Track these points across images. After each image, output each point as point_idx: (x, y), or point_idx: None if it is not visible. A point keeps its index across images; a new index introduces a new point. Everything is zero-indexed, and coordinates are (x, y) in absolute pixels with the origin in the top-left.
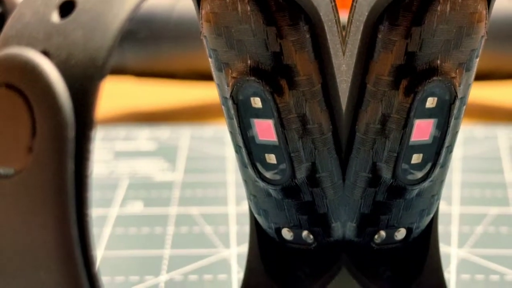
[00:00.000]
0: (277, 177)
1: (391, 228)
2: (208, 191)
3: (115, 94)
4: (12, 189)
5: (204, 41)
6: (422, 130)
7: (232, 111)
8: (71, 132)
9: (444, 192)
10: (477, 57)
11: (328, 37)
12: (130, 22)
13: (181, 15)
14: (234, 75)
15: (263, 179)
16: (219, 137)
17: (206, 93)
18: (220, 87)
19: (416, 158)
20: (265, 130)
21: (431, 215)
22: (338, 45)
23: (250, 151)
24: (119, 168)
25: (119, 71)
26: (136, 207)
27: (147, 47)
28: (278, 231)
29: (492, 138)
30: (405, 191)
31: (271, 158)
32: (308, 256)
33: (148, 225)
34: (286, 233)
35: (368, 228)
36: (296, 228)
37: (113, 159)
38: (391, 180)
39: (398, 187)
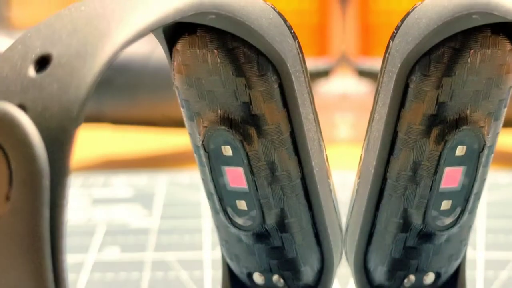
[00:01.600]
0: (248, 222)
1: (421, 273)
2: (183, 237)
3: (93, 141)
4: None
5: (176, 91)
6: (452, 177)
7: (204, 159)
8: (46, 181)
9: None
10: (505, 106)
11: (295, 87)
12: (107, 71)
13: (157, 64)
14: (205, 124)
15: (234, 224)
16: (195, 183)
17: (183, 140)
18: (192, 136)
19: (445, 205)
20: (235, 177)
21: (459, 260)
22: (305, 94)
23: (221, 198)
24: (97, 215)
25: (97, 118)
26: (113, 253)
27: (124, 95)
28: (250, 275)
29: None
30: (434, 236)
31: (242, 205)
32: None
33: (125, 270)
34: (258, 278)
35: (398, 272)
36: (266, 272)
37: (91, 205)
38: (421, 226)
39: (428, 232)
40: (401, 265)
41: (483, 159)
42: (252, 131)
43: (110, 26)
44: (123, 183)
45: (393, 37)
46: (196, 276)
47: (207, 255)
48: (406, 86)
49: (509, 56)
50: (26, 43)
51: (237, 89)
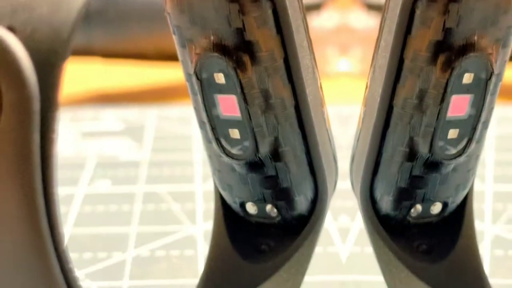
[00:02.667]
0: (241, 152)
1: (427, 202)
2: (175, 169)
3: (83, 75)
4: None
5: (168, 17)
6: (459, 105)
7: (196, 87)
8: (36, 105)
9: (478, 170)
10: None
11: (289, 12)
12: (97, 2)
13: None
14: (197, 51)
15: (227, 154)
16: (185, 117)
17: (173, 73)
18: (184, 63)
19: (452, 134)
20: (228, 105)
21: (467, 190)
22: (299, 20)
23: (214, 127)
24: (87, 148)
25: (86, 52)
26: (104, 186)
27: (114, 27)
28: (243, 205)
29: None
30: (441, 165)
31: (235, 133)
32: (273, 229)
33: (116, 203)
34: (251, 207)
35: (405, 202)
36: (260, 202)
37: (81, 139)
38: (428, 155)
39: (434, 161)
40: (407, 194)
41: (491, 87)
42: (246, 58)
43: None
44: (113, 117)
45: None
46: (188, 208)
47: (199, 187)
48: (412, 12)
49: None
50: None
51: (230, 15)
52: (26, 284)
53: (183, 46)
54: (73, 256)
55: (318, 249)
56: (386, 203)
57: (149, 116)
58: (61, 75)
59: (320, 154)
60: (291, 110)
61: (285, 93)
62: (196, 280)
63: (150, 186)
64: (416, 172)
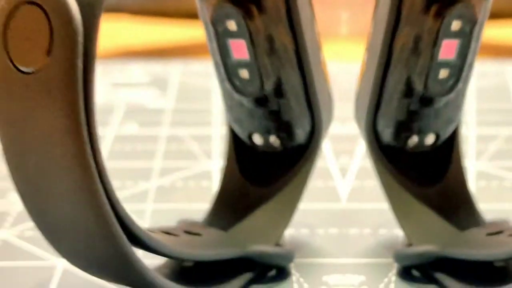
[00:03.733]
0: (249, 89)
1: (422, 134)
2: (195, 116)
3: (112, 31)
4: (33, 84)
5: None
6: (449, 49)
7: (212, 34)
8: (80, 38)
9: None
10: None
11: None
12: None
13: None
14: (212, 2)
15: (238, 90)
16: (206, 71)
17: (195, 31)
18: (201, 13)
19: (443, 73)
20: (239, 49)
21: (456, 123)
22: None
23: (226, 68)
24: (116, 97)
25: (116, 10)
26: (132, 128)
27: None
28: (250, 136)
29: (501, 73)
30: (434, 101)
31: (244, 73)
32: (276, 157)
33: (142, 142)
34: (257, 138)
35: (403, 134)
36: (265, 133)
37: (111, 89)
38: (423, 92)
39: (428, 98)
40: (405, 127)
41: (475, 34)
42: (253, 8)
43: None
44: (140, 70)
45: None
46: (205, 147)
47: (216, 130)
48: None
49: None
50: None
51: None
52: (70, 193)
53: None
54: None
55: (319, 184)
56: (387, 135)
57: (173, 70)
58: (100, 13)
59: (316, 91)
60: (292, 54)
61: (287, 39)
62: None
63: (173, 129)
64: (413, 107)
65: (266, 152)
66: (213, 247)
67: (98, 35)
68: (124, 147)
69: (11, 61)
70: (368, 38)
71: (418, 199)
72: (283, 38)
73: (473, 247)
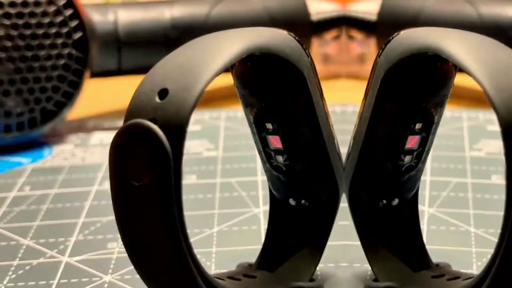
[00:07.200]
0: (283, 169)
1: (389, 198)
2: (242, 165)
3: None
4: (140, 193)
5: (236, 89)
6: (413, 141)
7: (254, 130)
8: (171, 162)
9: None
10: (447, 98)
11: (309, 86)
12: (175, 32)
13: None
14: (255, 110)
15: (275, 170)
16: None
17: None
18: (246, 116)
19: (408, 158)
20: (275, 141)
21: (415, 190)
22: (317, 91)
23: (266, 154)
24: None
25: None
26: (191, 179)
27: None
28: (286, 200)
29: (457, 119)
30: (400, 177)
31: (279, 159)
32: (306, 212)
33: (201, 192)
34: (291, 201)
35: (375, 198)
36: (296, 198)
37: None
38: (391, 170)
39: (395, 174)
40: (377, 193)
41: (432, 130)
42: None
43: (200, 70)
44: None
45: (379, 55)
46: (252, 194)
47: (260, 178)
48: (386, 90)
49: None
50: (151, 80)
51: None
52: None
53: (246, 107)
54: None
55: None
56: (363, 198)
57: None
58: (183, 144)
59: (334, 168)
60: (314, 144)
61: (308, 133)
62: (259, 246)
63: (225, 179)
64: (383, 180)
65: (298, 208)
66: (265, 286)
67: (181, 157)
68: (187, 197)
69: (126, 177)
70: (354, 129)
71: (384, 244)
72: (305, 133)
73: (422, 287)
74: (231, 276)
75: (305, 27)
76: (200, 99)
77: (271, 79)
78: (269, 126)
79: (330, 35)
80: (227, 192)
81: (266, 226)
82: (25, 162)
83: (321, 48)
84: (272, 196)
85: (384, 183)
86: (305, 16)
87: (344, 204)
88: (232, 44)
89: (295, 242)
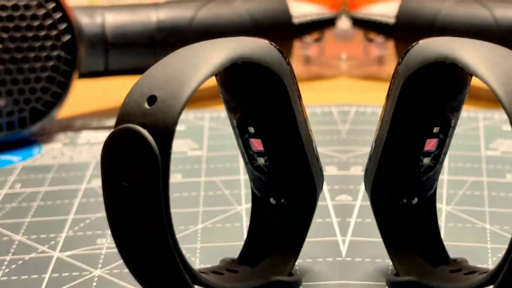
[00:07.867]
0: (265, 170)
1: (409, 197)
2: (225, 164)
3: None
4: (131, 194)
5: (220, 94)
6: (431, 144)
7: (237, 133)
8: (159, 165)
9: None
10: (463, 102)
11: (289, 93)
12: (161, 34)
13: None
14: (237, 115)
15: (256, 171)
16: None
17: None
18: (230, 119)
19: (426, 160)
20: (257, 144)
21: (433, 190)
22: (296, 97)
23: (248, 156)
24: None
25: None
26: (176, 178)
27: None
28: (267, 198)
29: (474, 119)
30: (420, 177)
31: (261, 160)
32: (285, 210)
33: (186, 190)
34: (272, 200)
35: (396, 197)
36: (277, 197)
37: None
38: (411, 172)
39: (414, 175)
40: (398, 193)
41: (449, 133)
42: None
43: (186, 79)
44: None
45: (399, 63)
46: (235, 193)
47: (242, 177)
48: (406, 95)
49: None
50: (141, 88)
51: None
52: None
53: (229, 111)
54: None
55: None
56: (385, 197)
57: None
58: (171, 147)
59: (312, 170)
60: (294, 146)
61: (288, 137)
62: (242, 243)
63: (209, 178)
64: (404, 181)
65: (278, 206)
66: (247, 280)
67: (169, 158)
68: (172, 195)
69: (117, 178)
70: (376, 133)
71: (404, 241)
72: (285, 136)
73: (440, 281)
74: (214, 271)
75: (287, 30)
76: (186, 105)
77: (253, 86)
78: (251, 129)
79: (311, 37)
80: (211, 190)
81: (248, 224)
82: (15, 160)
83: (303, 50)
84: (254, 195)
85: (404, 184)
86: (287, 19)
87: (322, 203)
88: (216, 54)
89: (275, 239)
